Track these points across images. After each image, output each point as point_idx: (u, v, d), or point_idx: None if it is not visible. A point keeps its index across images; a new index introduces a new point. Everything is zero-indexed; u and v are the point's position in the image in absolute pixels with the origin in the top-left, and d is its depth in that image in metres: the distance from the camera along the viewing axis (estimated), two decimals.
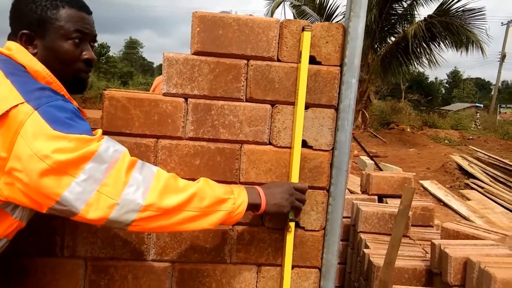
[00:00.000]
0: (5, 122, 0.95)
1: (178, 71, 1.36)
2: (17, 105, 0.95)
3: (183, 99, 1.38)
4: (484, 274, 1.65)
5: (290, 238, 1.40)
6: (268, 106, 1.41)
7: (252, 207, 1.23)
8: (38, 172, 0.95)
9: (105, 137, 1.07)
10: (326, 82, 1.41)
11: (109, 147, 1.03)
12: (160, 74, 1.42)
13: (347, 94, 1.39)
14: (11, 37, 1.16)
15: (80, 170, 0.98)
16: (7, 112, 0.95)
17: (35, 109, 0.96)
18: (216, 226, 1.17)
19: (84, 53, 1.19)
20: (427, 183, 8.90)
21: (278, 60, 1.40)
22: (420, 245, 2.37)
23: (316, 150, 1.44)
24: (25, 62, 1.09)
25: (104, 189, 1.00)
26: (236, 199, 1.18)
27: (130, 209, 1.02)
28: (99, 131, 1.09)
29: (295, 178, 1.38)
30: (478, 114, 21.79)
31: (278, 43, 1.39)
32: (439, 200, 7.85)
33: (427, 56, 14.58)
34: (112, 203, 1.00)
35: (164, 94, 1.37)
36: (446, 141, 15.91)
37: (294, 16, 14.97)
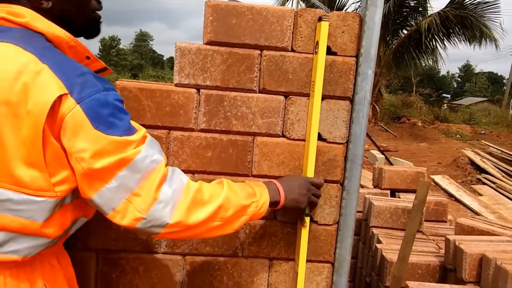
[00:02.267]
0: (53, 114, 0.90)
1: (190, 61, 1.34)
2: (61, 97, 0.89)
3: (195, 90, 1.36)
4: (500, 271, 1.61)
5: (305, 233, 1.38)
6: (282, 98, 1.38)
7: (272, 204, 1.21)
8: (52, 171, 0.93)
9: (147, 141, 1.01)
10: (341, 73, 1.37)
11: (147, 156, 0.97)
12: (170, 67, 1.39)
13: (362, 85, 1.36)
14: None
15: (113, 177, 0.94)
16: (54, 102, 0.89)
17: (78, 103, 0.90)
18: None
19: None
20: (438, 178, 8.81)
21: (292, 51, 1.37)
22: (434, 240, 2.34)
23: (330, 143, 1.41)
24: (44, 29, 0.99)
25: (134, 200, 0.97)
26: (259, 201, 1.15)
27: (157, 225, 0.99)
28: (142, 131, 1.02)
29: (310, 172, 1.35)
30: (445, 104, 21.50)
31: (293, 33, 1.36)
32: (450, 195, 7.77)
33: (440, 50, 14.42)
34: (138, 217, 0.97)
35: (176, 85, 1.35)
36: (457, 136, 15.73)
37: None
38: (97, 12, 1.16)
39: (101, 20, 1.18)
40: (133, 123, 1.01)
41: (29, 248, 0.97)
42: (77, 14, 1.09)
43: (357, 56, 1.37)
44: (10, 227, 0.93)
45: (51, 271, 1.06)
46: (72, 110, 0.90)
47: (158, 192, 0.98)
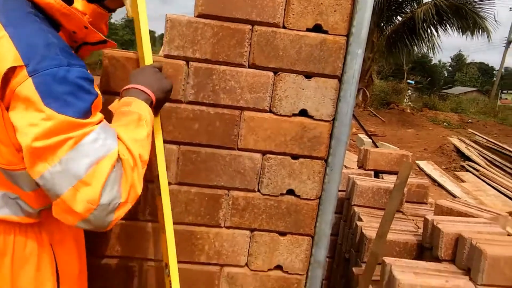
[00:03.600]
0: (6, 87, 0.85)
1: (180, 33, 1.34)
2: (14, 68, 0.83)
3: (184, 62, 1.36)
4: (475, 250, 1.67)
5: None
6: (271, 74, 1.40)
7: (150, 105, 1.10)
8: (17, 147, 0.88)
9: (101, 125, 0.92)
10: (331, 52, 1.39)
11: (98, 139, 0.88)
12: (162, 43, 1.39)
13: (351, 65, 1.38)
14: None
15: (57, 159, 0.84)
16: (5, 74, 0.83)
17: (30, 76, 0.83)
18: None
19: None
20: (423, 164, 8.96)
21: (284, 27, 1.38)
22: (413, 220, 2.40)
23: (316, 120, 1.44)
24: None
25: (82, 189, 0.86)
26: (145, 116, 1.04)
27: (109, 210, 0.90)
28: (99, 116, 0.94)
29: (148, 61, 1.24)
30: (409, 91, 21.58)
31: (285, 10, 1.36)
32: (434, 181, 7.92)
33: (435, 39, 14.44)
34: (88, 208, 0.87)
35: (165, 56, 1.35)
36: (445, 124, 15.91)
37: None
38: None
39: None
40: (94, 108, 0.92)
41: (30, 210, 0.97)
42: None
43: (347, 36, 1.39)
44: (7, 189, 0.94)
45: (59, 233, 1.06)
46: (23, 83, 0.83)
47: (107, 180, 0.88)
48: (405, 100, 18.42)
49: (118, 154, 0.92)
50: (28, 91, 0.83)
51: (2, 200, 0.94)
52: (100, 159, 0.88)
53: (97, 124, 0.90)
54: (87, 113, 0.88)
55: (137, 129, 1.01)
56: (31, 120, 0.83)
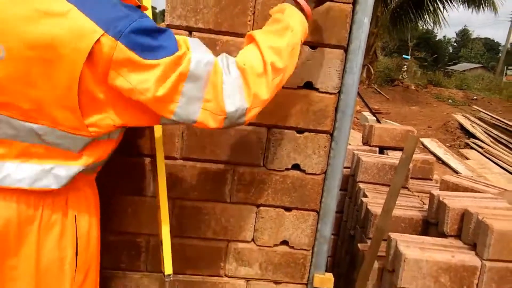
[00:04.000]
0: (92, 60, 0.88)
1: (182, 1, 1.29)
2: (98, 39, 0.86)
3: (187, 32, 1.32)
4: (481, 225, 1.66)
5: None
6: None
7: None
8: (143, 103, 0.94)
9: (191, 46, 0.97)
10: (336, 21, 1.34)
11: (199, 61, 0.95)
12: (163, 19, 1.35)
13: (357, 34, 1.33)
14: None
15: (179, 94, 0.94)
16: (92, 48, 0.86)
17: (118, 40, 0.87)
18: None
19: None
20: (427, 141, 8.91)
21: None
22: (418, 196, 2.39)
23: (322, 92, 1.40)
24: None
25: (209, 106, 0.97)
26: (294, 26, 1.07)
27: (239, 115, 1.01)
28: (182, 37, 0.99)
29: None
30: (406, 66, 21.07)
31: None
32: (438, 159, 7.89)
33: (439, 12, 14.18)
34: (221, 119, 0.99)
35: (168, 26, 1.31)
36: (449, 101, 15.78)
37: None
38: None
39: None
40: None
41: (65, 176, 0.99)
42: None
43: (353, 4, 1.34)
44: (46, 157, 0.97)
45: (85, 200, 1.09)
46: (116, 48, 0.87)
47: (222, 90, 0.98)
48: (401, 76, 18.11)
49: (217, 63, 0.99)
50: (124, 53, 0.88)
51: (41, 172, 0.97)
52: (209, 76, 0.96)
53: (188, 48, 0.96)
54: (177, 46, 0.94)
55: (278, 38, 1.05)
56: (141, 77, 0.90)
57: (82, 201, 1.08)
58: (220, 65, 0.99)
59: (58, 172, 0.98)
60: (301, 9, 1.11)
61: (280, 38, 1.05)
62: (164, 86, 0.92)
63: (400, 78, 17.92)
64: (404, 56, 18.05)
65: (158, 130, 1.32)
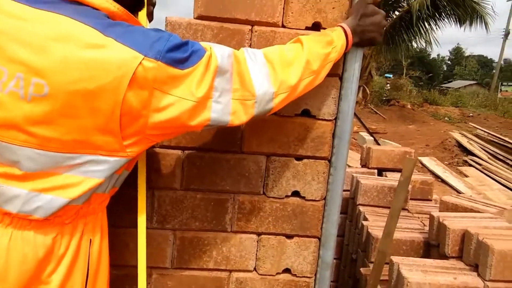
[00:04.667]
0: (135, 83, 0.91)
1: (181, 36, 1.31)
2: (140, 63, 0.91)
3: None
4: (482, 246, 1.66)
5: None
6: None
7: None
8: (188, 110, 0.99)
9: (211, 44, 1.07)
10: None
11: (222, 56, 1.03)
12: None
13: (351, 62, 1.36)
14: None
15: (213, 89, 1.01)
16: (134, 73, 0.90)
17: (158, 60, 0.93)
18: None
19: None
20: (425, 160, 8.94)
21: (283, 26, 1.37)
22: (419, 218, 2.39)
23: (319, 119, 1.43)
24: (98, 3, 0.98)
25: (238, 95, 1.05)
26: (337, 45, 1.22)
27: (267, 100, 1.09)
28: (206, 45, 1.06)
29: None
30: (388, 84, 21.49)
31: (284, 9, 1.35)
32: (437, 177, 7.90)
33: (431, 31, 14.43)
34: (252, 103, 1.07)
35: None
36: (446, 118, 15.89)
37: None
38: None
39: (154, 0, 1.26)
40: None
41: (85, 196, 1.01)
42: None
43: None
44: (76, 187, 0.98)
45: (99, 224, 1.12)
46: (157, 68, 0.93)
47: (249, 75, 1.06)
48: (385, 94, 18.37)
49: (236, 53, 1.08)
50: (166, 71, 0.94)
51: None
52: (233, 66, 1.05)
53: (211, 48, 1.04)
54: (203, 49, 1.02)
55: (321, 47, 1.19)
56: (184, 85, 0.97)
57: (97, 225, 1.10)
58: (243, 55, 1.09)
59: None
60: (346, 36, 1.25)
61: (323, 48, 1.19)
62: (203, 85, 0.99)
63: (385, 96, 18.09)
64: (386, 75, 18.26)
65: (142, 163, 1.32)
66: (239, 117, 1.07)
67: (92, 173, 0.98)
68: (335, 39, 1.21)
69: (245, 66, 1.07)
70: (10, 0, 0.93)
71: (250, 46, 1.36)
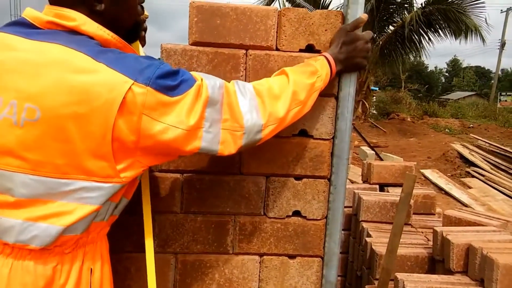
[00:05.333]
0: (125, 108, 0.92)
1: (176, 62, 1.35)
2: (130, 88, 0.92)
3: None
4: (486, 260, 1.65)
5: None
6: None
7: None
8: (179, 138, 0.99)
9: (201, 75, 1.08)
10: None
11: (214, 86, 1.05)
12: None
13: (346, 82, 1.38)
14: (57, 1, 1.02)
15: (204, 119, 1.03)
16: (124, 98, 0.92)
17: (148, 86, 0.94)
18: None
19: None
20: (428, 172, 8.91)
21: (277, 49, 1.39)
22: (422, 232, 2.38)
23: (316, 139, 1.44)
24: (92, 32, 1.01)
25: (227, 125, 1.07)
26: (321, 74, 1.25)
27: (256, 131, 1.11)
28: (196, 74, 1.07)
29: None
30: (374, 97, 21.58)
31: (277, 32, 1.38)
32: (440, 189, 7.86)
33: (426, 44, 14.57)
34: (240, 134, 1.08)
35: None
36: (446, 130, 15.89)
37: None
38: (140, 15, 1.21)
39: (145, 25, 1.26)
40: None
41: (83, 225, 1.00)
42: (126, 17, 1.13)
43: None
44: (70, 214, 0.97)
45: (99, 252, 1.12)
46: (147, 94, 0.94)
47: (239, 107, 1.08)
48: (370, 107, 18.40)
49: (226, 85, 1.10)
50: (155, 96, 0.95)
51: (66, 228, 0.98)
52: (223, 97, 1.06)
53: (202, 79, 1.05)
54: (193, 78, 1.03)
55: (306, 78, 1.21)
56: (174, 113, 0.97)
57: (97, 253, 1.10)
58: (233, 87, 1.11)
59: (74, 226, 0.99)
60: (329, 65, 1.28)
61: (308, 79, 1.22)
62: (193, 114, 1.00)
63: (369, 110, 18.10)
64: (372, 88, 18.32)
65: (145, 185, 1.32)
66: (227, 147, 1.08)
67: (86, 199, 0.97)
68: (319, 69, 1.24)
69: (235, 97, 1.08)
70: (8, 34, 0.97)
71: (245, 69, 1.38)
